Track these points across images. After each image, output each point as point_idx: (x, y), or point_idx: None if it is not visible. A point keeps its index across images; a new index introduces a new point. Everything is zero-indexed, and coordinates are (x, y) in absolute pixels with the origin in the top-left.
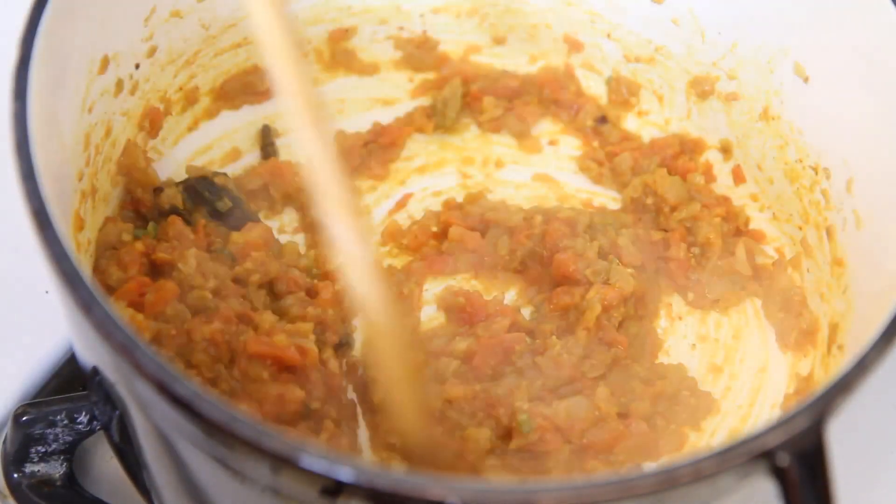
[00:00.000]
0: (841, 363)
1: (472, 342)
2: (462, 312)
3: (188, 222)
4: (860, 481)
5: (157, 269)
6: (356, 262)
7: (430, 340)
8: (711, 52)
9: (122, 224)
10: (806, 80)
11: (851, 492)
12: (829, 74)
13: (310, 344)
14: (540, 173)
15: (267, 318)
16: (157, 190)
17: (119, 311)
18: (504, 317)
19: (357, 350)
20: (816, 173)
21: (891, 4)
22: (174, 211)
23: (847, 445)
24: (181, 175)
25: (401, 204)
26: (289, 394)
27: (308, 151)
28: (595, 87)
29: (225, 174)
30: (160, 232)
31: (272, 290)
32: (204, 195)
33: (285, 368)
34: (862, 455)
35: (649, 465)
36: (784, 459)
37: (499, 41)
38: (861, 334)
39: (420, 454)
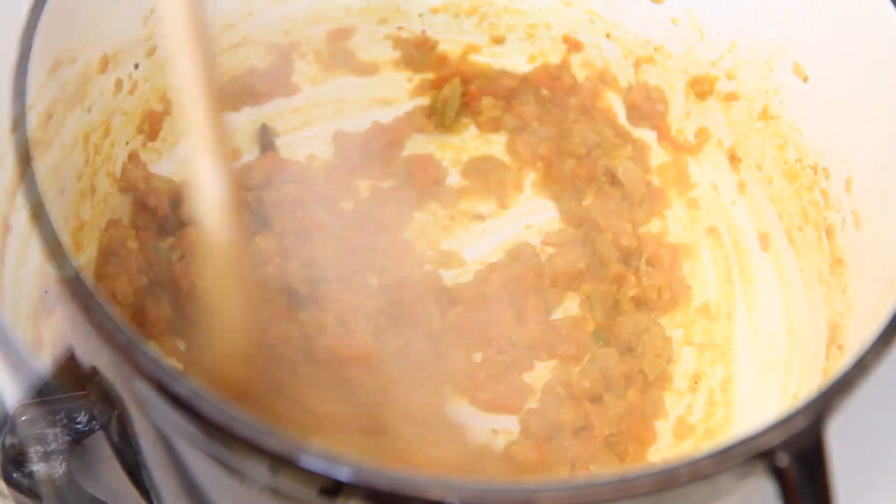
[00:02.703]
0: (840, 363)
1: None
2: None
3: None
4: (860, 481)
5: None
6: (212, 200)
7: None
8: (710, 52)
9: (124, 228)
10: (805, 79)
11: (851, 492)
12: (829, 74)
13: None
14: None
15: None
16: (176, 203)
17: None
18: None
19: None
20: (815, 173)
21: (890, 4)
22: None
23: (847, 445)
24: (180, 175)
25: None
26: None
27: (183, 80)
28: None
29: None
30: (176, 241)
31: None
32: None
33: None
34: (862, 455)
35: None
36: (783, 459)
37: (498, 41)
38: (860, 334)
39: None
